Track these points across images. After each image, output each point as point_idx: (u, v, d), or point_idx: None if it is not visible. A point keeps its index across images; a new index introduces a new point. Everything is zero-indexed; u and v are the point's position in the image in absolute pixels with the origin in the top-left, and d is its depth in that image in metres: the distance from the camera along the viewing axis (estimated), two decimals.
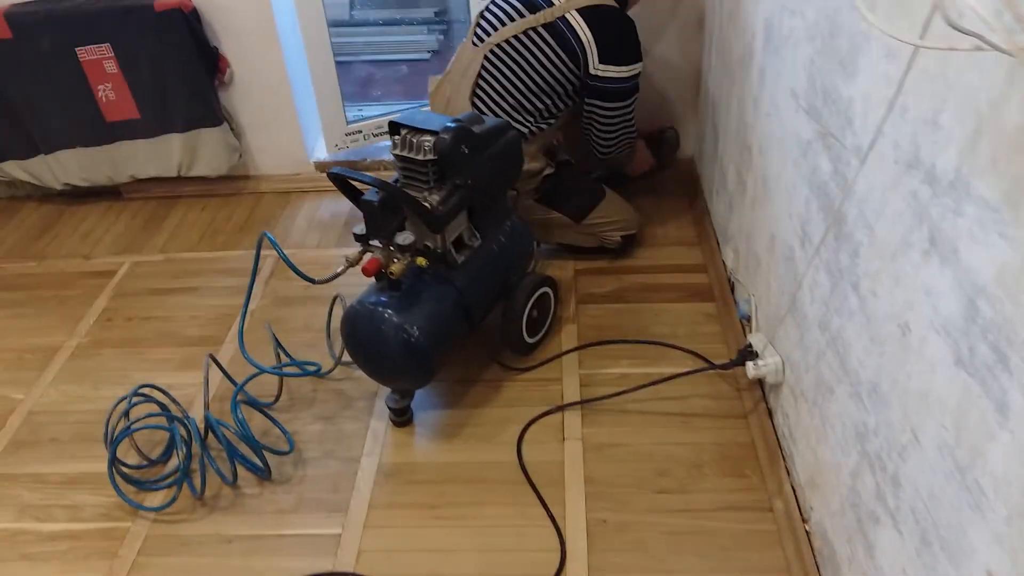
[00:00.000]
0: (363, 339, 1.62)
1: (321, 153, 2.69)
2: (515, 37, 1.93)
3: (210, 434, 1.67)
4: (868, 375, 1.11)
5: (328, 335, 1.97)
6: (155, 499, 1.64)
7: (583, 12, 1.89)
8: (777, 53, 1.52)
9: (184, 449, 1.63)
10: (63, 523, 1.61)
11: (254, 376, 1.79)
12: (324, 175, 2.68)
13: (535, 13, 1.92)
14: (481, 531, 1.52)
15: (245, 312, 1.81)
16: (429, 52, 3.57)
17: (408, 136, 1.56)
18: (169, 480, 1.66)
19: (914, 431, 0.97)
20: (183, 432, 1.65)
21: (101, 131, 2.51)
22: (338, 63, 2.58)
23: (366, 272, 1.53)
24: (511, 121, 1.94)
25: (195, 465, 1.64)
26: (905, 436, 1.00)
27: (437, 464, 1.66)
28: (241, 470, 1.66)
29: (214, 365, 1.77)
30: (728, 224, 2.03)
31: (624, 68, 1.92)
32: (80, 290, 2.29)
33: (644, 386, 1.71)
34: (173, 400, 1.77)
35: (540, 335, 1.92)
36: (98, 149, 2.55)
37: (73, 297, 2.27)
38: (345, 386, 1.87)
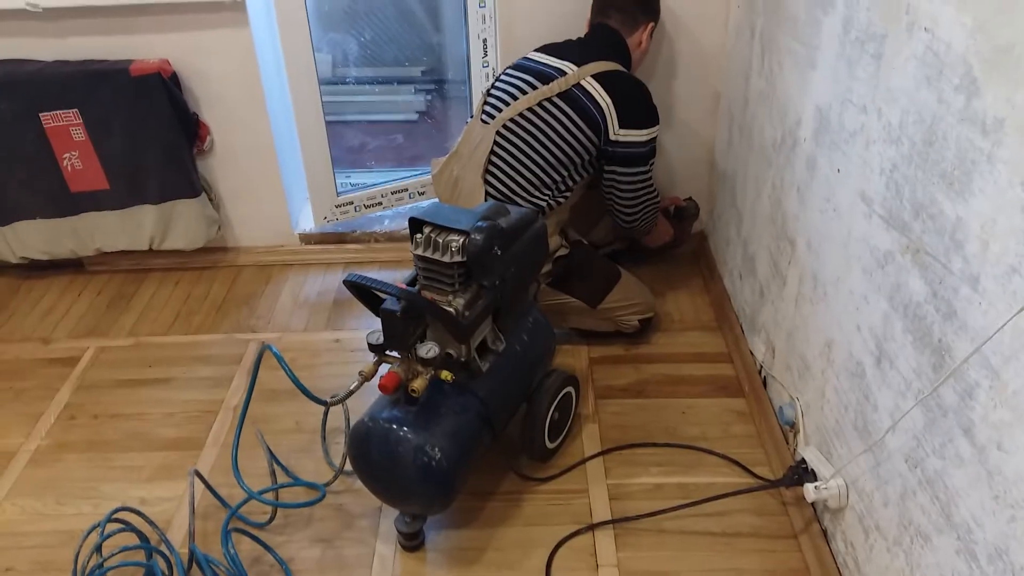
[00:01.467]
0: (375, 460, 1.44)
1: (307, 223, 2.51)
2: (529, 110, 1.84)
3: (195, 566, 1.45)
4: (989, 537, 0.97)
5: (323, 439, 1.77)
6: None
7: (599, 78, 1.83)
8: (837, 148, 1.40)
9: None
10: None
11: (245, 502, 1.59)
12: (310, 247, 2.50)
13: (548, 84, 1.83)
14: None
15: (239, 434, 1.58)
16: (417, 113, 3.43)
17: (432, 235, 1.39)
18: None
19: None
20: (163, 568, 1.43)
21: (65, 202, 2.30)
22: (329, 123, 2.41)
23: (384, 389, 1.35)
24: (528, 197, 1.85)
25: None
26: None
27: None
28: None
29: (198, 481, 1.56)
30: (758, 314, 1.90)
31: (644, 132, 1.86)
32: (38, 381, 2.06)
33: (686, 505, 1.55)
34: (150, 522, 1.56)
35: (561, 439, 1.75)
36: (61, 220, 2.33)
37: (30, 390, 2.03)
38: (345, 500, 1.67)
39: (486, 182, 1.86)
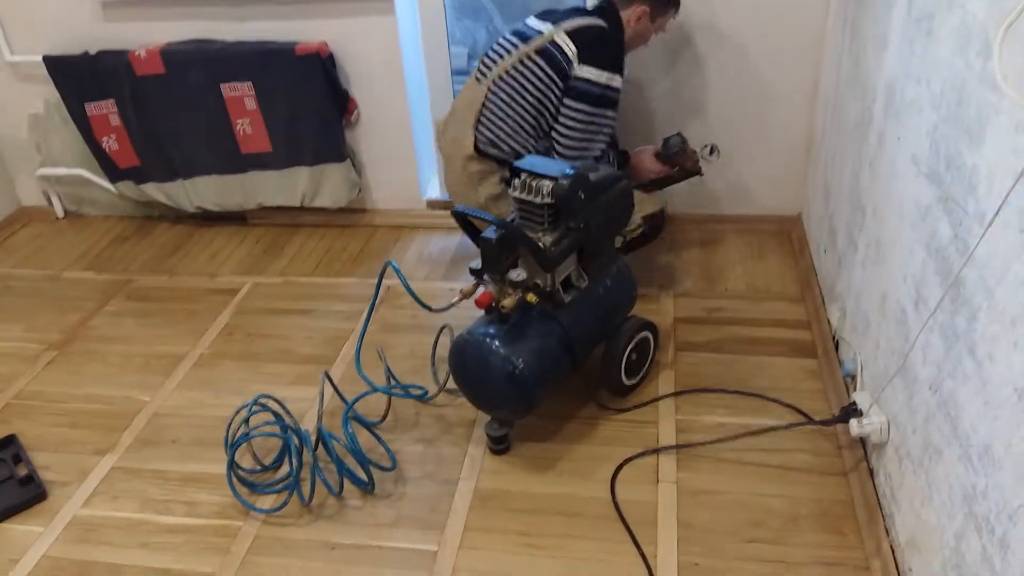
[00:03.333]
0: (470, 368, 1.70)
1: (434, 192, 2.83)
2: (512, 67, 2.07)
3: (320, 446, 1.77)
4: (980, 438, 1.11)
5: (433, 363, 2.06)
6: (266, 502, 1.74)
7: (571, 33, 2.04)
8: (898, 118, 1.55)
9: (296, 458, 1.73)
10: (181, 517, 1.73)
11: (365, 395, 1.89)
12: (435, 212, 2.81)
13: (527, 43, 2.06)
14: (572, 563, 1.55)
15: (365, 329, 1.91)
16: None
17: (528, 180, 1.65)
18: (280, 486, 1.76)
19: None
20: (296, 442, 1.75)
21: (236, 161, 2.72)
22: None
23: (479, 304, 1.61)
24: (512, 143, 2.08)
25: (305, 474, 1.74)
26: (1017, 500, 1.00)
27: (532, 494, 1.71)
28: (346, 483, 1.74)
29: (327, 382, 1.88)
30: (836, 283, 2.03)
31: (600, 72, 2.02)
32: (205, 305, 2.47)
33: (743, 436, 1.72)
34: (288, 412, 1.88)
35: (639, 378, 1.96)
36: (232, 177, 2.75)
37: (199, 311, 2.44)
38: (446, 412, 1.95)
39: (476, 130, 2.12)
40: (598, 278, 1.82)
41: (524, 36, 2.09)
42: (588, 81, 2.03)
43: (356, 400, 1.85)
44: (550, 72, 2.04)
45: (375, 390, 1.90)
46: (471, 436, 1.87)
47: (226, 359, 2.22)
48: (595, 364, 1.90)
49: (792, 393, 1.92)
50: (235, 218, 2.93)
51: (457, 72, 2.65)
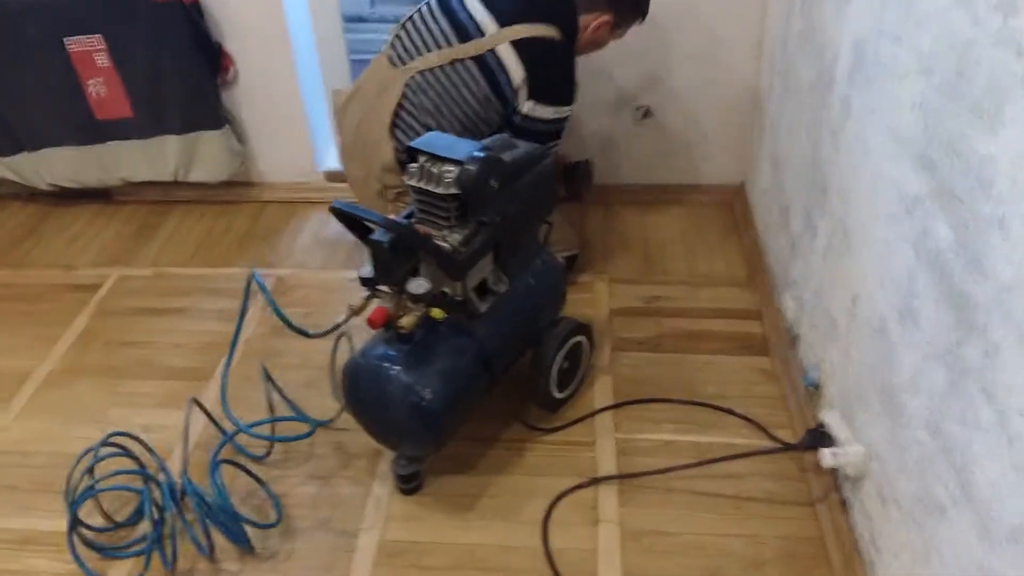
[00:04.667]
0: (365, 399, 1.39)
1: (332, 162, 2.45)
2: (440, 68, 1.69)
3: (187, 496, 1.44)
4: (1008, 515, 0.87)
5: (333, 376, 1.73)
6: (121, 569, 1.41)
7: (518, 45, 1.66)
8: (871, 84, 1.27)
9: (156, 512, 1.41)
10: None
11: (234, 435, 1.56)
12: (334, 185, 2.45)
13: (464, 42, 1.68)
14: None
15: (229, 363, 1.56)
16: None
17: (427, 165, 1.32)
18: (138, 548, 1.43)
19: None
20: (155, 492, 1.42)
21: (91, 129, 2.28)
22: (354, 61, 2.34)
23: (371, 324, 1.29)
24: None
25: (170, 530, 1.41)
26: None
27: (448, 545, 1.42)
28: (222, 539, 1.42)
29: (197, 409, 1.54)
30: (789, 268, 1.78)
31: (551, 109, 1.71)
32: (59, 306, 2.07)
33: (696, 464, 1.47)
34: (149, 449, 1.54)
35: (571, 389, 1.68)
36: (87, 148, 2.32)
37: (50, 313, 2.04)
38: (345, 439, 1.63)
39: (394, 136, 1.72)
40: (520, 277, 1.52)
41: (459, 27, 1.69)
42: (540, 121, 1.70)
43: (225, 441, 1.52)
44: (486, 89, 1.68)
45: (239, 431, 1.57)
46: (375, 470, 1.56)
47: (81, 376, 1.84)
48: (520, 373, 1.61)
49: (745, 401, 1.67)
50: (99, 196, 2.50)
51: (353, 19, 2.27)
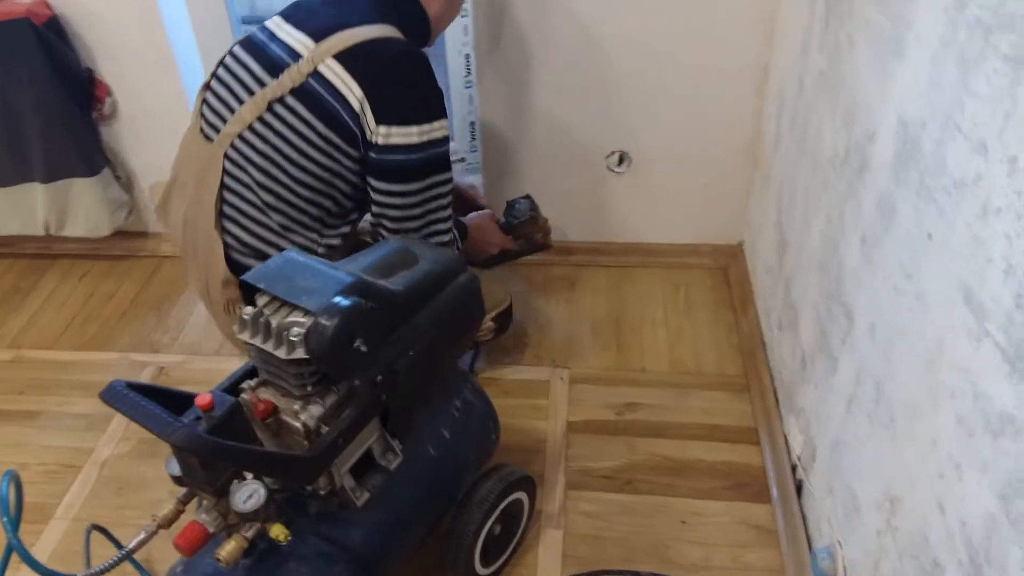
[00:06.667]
0: None
1: None
2: (259, 120, 1.24)
3: None
4: None
5: None
6: None
7: (342, 58, 1.21)
8: (931, 197, 0.84)
9: None
10: None
11: None
12: None
13: (278, 77, 1.23)
14: None
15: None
16: None
17: (267, 312, 0.89)
18: None
19: None
20: None
21: None
22: None
23: (179, 547, 0.87)
24: (284, 245, 1.26)
25: None
26: None
27: None
28: None
29: None
30: (797, 388, 1.36)
31: (414, 129, 1.22)
32: None
33: None
34: None
35: (503, 560, 1.27)
36: None
37: None
38: None
39: (224, 229, 1.29)
40: (427, 432, 1.10)
41: (270, 62, 1.25)
42: (404, 148, 1.22)
43: None
44: (323, 128, 1.21)
45: None
46: None
47: None
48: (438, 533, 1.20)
49: (733, 573, 1.26)
50: None
51: (245, 21, 1.85)
